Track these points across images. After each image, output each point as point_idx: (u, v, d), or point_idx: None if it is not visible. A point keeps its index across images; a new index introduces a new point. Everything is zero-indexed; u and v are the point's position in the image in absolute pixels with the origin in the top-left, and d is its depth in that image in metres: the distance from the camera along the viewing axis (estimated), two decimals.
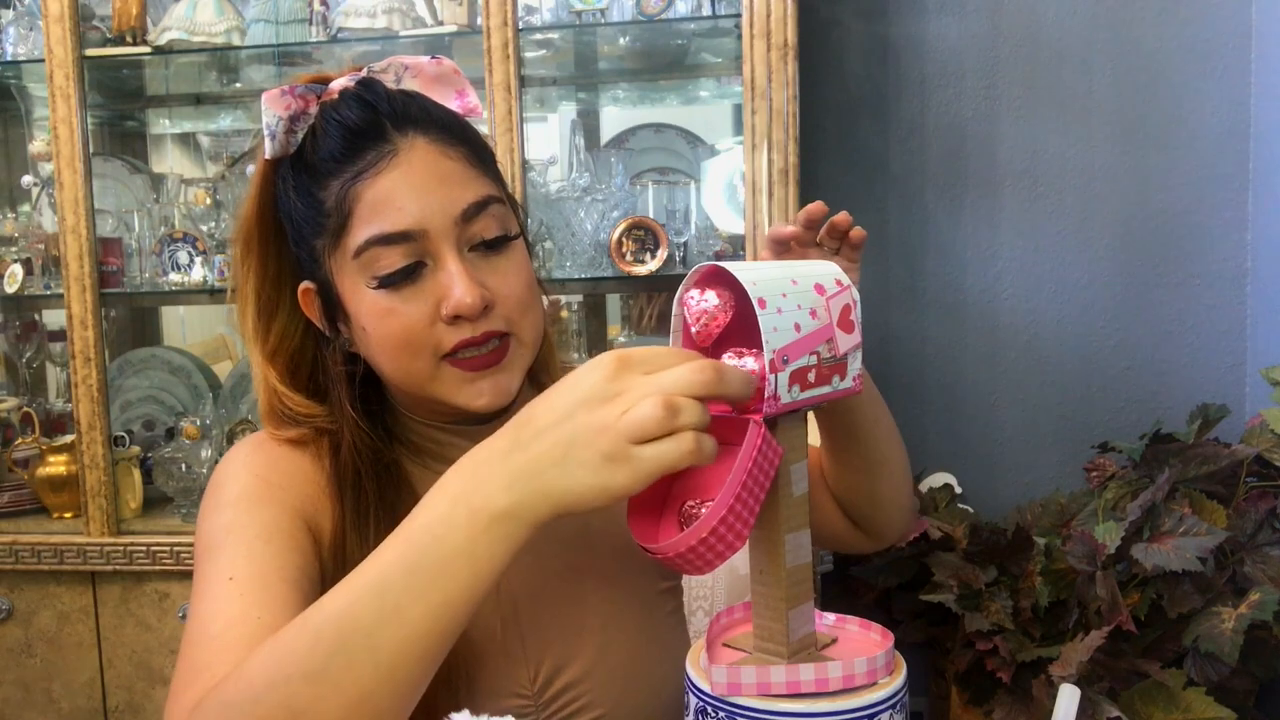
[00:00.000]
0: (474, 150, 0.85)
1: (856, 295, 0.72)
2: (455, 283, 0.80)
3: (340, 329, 0.87)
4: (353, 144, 0.81)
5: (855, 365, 0.71)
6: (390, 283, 0.81)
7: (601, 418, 0.59)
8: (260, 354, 0.90)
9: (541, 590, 0.90)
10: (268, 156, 0.84)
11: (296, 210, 0.84)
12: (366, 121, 0.81)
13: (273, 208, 0.87)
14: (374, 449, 0.87)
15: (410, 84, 0.87)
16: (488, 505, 0.61)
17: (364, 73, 0.86)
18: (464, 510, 0.61)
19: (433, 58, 0.87)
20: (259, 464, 0.86)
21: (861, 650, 0.72)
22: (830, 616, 0.78)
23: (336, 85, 0.85)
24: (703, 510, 0.65)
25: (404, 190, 0.80)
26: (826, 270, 0.72)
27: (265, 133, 0.82)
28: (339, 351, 0.87)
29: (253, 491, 0.83)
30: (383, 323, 0.81)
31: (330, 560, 0.84)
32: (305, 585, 0.78)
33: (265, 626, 0.71)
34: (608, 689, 0.89)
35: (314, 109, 0.84)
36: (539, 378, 0.95)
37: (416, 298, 0.81)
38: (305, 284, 0.87)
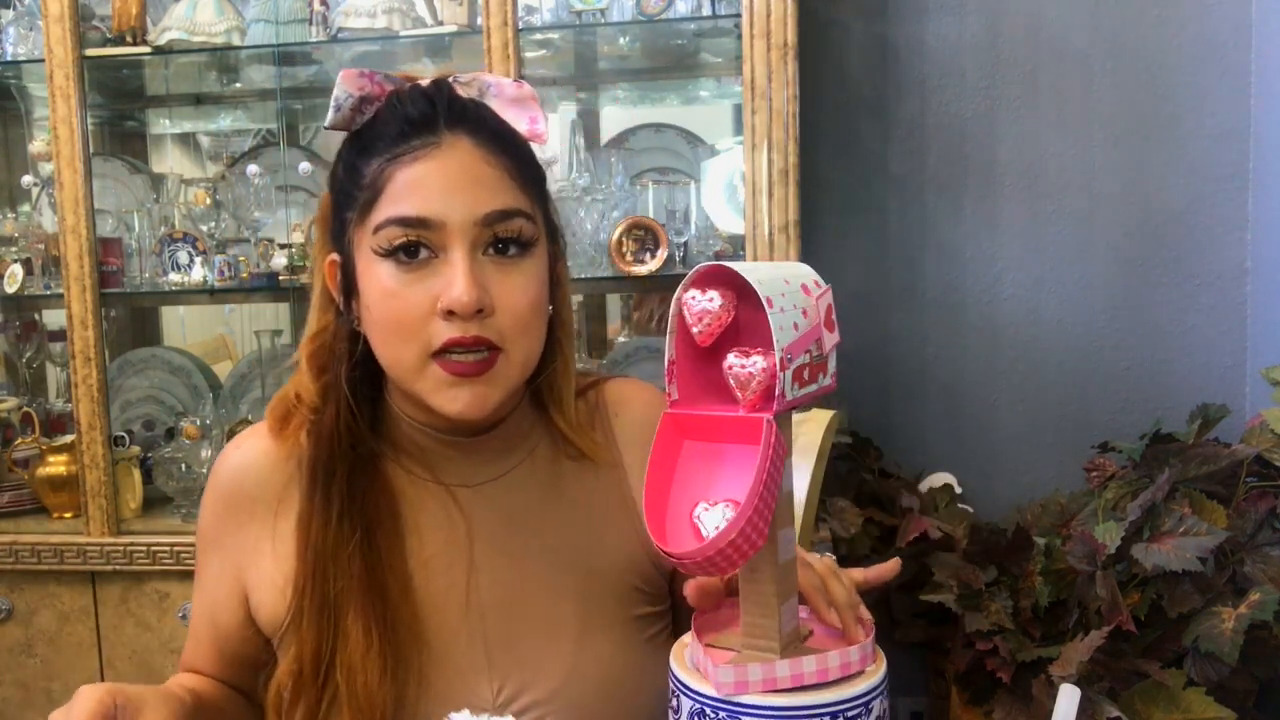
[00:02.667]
0: (518, 165, 0.87)
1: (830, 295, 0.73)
2: (456, 278, 0.81)
3: (353, 305, 0.89)
4: (403, 130, 0.84)
5: (833, 363, 0.72)
6: (391, 254, 0.82)
7: None
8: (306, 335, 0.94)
9: (514, 605, 0.89)
10: (327, 126, 0.88)
11: (339, 181, 0.88)
12: (422, 113, 0.85)
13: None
14: (355, 434, 0.90)
15: (491, 101, 0.90)
16: None
17: (449, 79, 0.89)
18: None
19: (515, 81, 0.91)
20: (223, 485, 0.94)
21: (840, 639, 0.73)
22: (802, 611, 0.77)
23: (413, 81, 0.89)
24: (716, 510, 0.66)
25: (435, 180, 0.83)
26: (807, 271, 0.73)
27: (332, 104, 0.86)
28: (345, 329, 0.90)
29: (206, 536, 0.95)
30: (384, 303, 0.83)
31: (295, 539, 0.88)
32: (211, 630, 0.95)
33: (184, 661, 0.98)
34: (576, 711, 0.87)
35: (384, 96, 0.87)
36: (544, 401, 0.95)
37: (419, 285, 0.82)
38: (333, 256, 0.90)
